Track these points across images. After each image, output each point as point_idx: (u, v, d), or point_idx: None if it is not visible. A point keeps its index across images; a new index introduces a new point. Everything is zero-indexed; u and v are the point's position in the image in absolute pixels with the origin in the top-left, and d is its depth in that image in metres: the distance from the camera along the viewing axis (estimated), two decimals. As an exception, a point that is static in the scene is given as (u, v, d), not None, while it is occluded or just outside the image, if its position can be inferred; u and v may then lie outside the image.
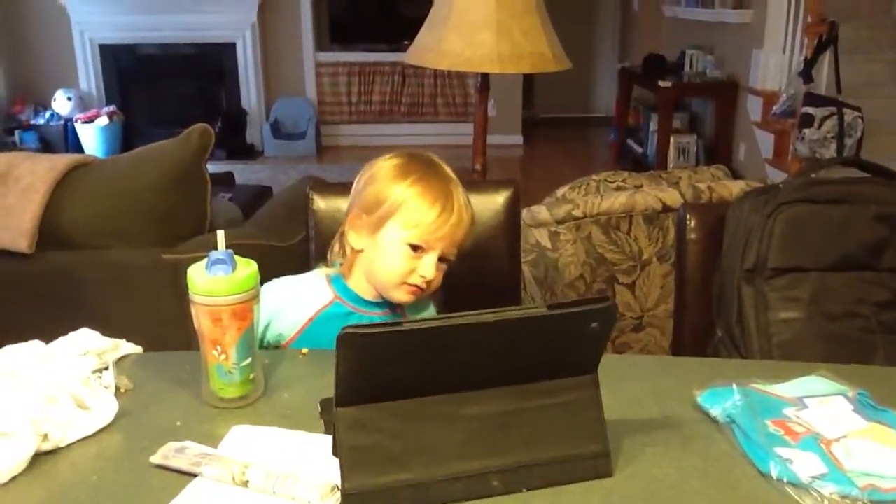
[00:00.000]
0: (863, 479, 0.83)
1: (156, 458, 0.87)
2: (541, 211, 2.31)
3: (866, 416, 0.94)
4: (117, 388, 1.02)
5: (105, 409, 0.96)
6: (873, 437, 0.90)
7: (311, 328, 1.30)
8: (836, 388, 1.00)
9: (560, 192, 2.47)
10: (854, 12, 4.60)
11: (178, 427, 0.95)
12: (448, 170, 1.31)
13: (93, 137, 6.14)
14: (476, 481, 0.81)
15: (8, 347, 1.05)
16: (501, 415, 0.84)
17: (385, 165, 1.29)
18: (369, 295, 1.32)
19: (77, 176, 2.05)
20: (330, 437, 0.83)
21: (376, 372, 0.79)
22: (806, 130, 4.02)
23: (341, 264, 1.35)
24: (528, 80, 7.18)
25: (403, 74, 6.83)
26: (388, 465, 0.79)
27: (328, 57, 6.80)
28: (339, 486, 0.79)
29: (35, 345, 1.05)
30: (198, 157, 2.07)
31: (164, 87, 6.69)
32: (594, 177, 2.49)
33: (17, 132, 6.13)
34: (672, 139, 5.64)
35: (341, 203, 1.43)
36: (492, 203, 1.54)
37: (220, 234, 0.99)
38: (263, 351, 1.15)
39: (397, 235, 1.25)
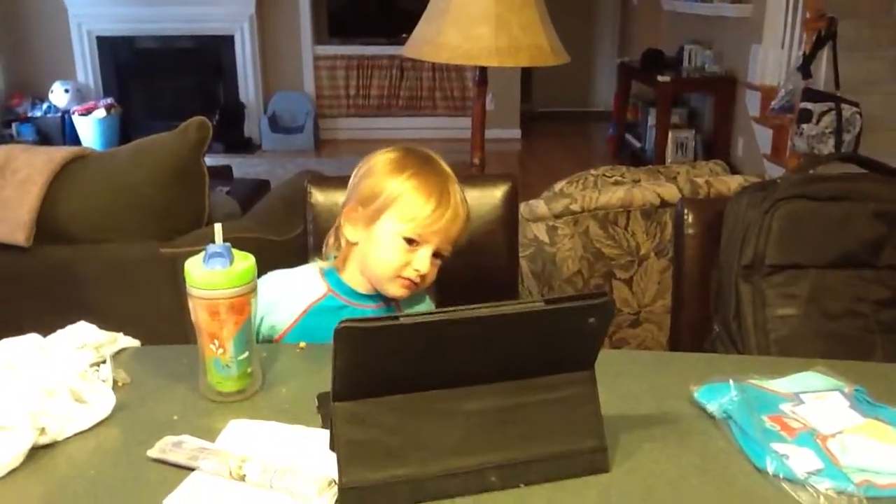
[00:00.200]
0: (859, 474, 0.84)
1: (153, 452, 0.87)
2: (539, 205, 2.30)
3: (862, 412, 0.94)
4: (115, 382, 1.02)
5: (102, 402, 0.96)
6: (869, 433, 0.91)
7: (305, 321, 1.30)
8: (833, 384, 1.00)
9: (558, 186, 2.47)
10: (854, 10, 4.60)
11: (176, 421, 0.95)
12: (445, 165, 1.31)
13: (90, 130, 6.13)
14: (473, 476, 0.82)
15: (5, 341, 1.04)
16: (499, 410, 0.84)
17: (382, 159, 1.30)
18: (363, 288, 1.32)
19: (74, 169, 2.05)
20: (327, 432, 0.83)
21: (374, 366, 0.79)
22: (804, 126, 4.02)
23: (335, 257, 1.35)
24: (527, 74, 7.17)
25: (402, 68, 6.81)
26: (385, 459, 0.80)
27: (326, 50, 6.79)
28: (337, 481, 0.79)
29: (32, 338, 1.05)
30: (195, 151, 2.06)
31: (162, 79, 6.69)
32: (592, 171, 2.49)
33: (14, 124, 6.12)
34: (670, 134, 5.65)
35: (339, 197, 1.43)
36: (490, 197, 1.54)
37: (218, 227, 0.99)
38: (261, 345, 1.16)
39: (393, 228, 1.25)
